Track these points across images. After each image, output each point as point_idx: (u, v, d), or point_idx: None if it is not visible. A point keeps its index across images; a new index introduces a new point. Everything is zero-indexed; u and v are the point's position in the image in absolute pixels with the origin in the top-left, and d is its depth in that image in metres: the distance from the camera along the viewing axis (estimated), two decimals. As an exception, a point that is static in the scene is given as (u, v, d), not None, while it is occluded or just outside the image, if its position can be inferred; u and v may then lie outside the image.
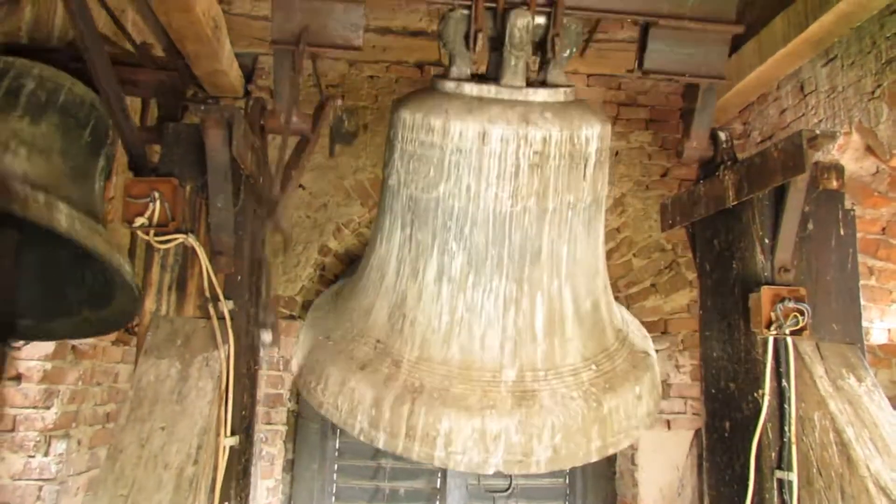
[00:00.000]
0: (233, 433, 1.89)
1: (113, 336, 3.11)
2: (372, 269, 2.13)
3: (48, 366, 2.77)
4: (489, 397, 1.88)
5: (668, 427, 3.77)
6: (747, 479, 2.01)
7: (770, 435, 2.00)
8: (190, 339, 1.91)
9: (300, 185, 3.65)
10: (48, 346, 2.77)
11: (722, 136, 2.27)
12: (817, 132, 1.88)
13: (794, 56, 3.28)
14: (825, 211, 2.13)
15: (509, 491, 3.81)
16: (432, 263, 1.94)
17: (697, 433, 2.48)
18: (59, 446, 2.81)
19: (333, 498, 3.69)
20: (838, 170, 2.12)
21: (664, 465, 3.71)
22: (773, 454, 1.98)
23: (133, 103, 2.98)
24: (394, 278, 2.03)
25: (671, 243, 3.90)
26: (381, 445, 1.90)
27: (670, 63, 2.08)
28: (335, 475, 3.73)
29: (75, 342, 2.91)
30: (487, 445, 1.83)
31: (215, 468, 1.82)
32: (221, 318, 1.92)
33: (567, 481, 3.88)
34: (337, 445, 3.76)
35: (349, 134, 3.26)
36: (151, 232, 1.92)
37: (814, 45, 3.15)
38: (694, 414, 3.78)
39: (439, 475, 3.80)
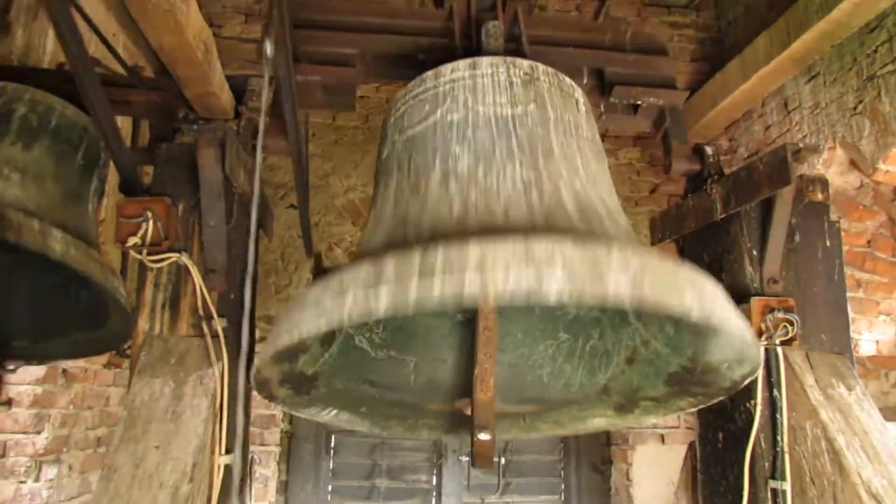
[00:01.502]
0: (227, 451, 1.88)
1: (104, 359, 3.10)
2: (372, 223, 1.82)
3: (39, 390, 2.75)
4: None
5: (663, 441, 3.79)
6: (742, 489, 2.01)
7: (763, 445, 2.01)
8: (184, 358, 1.91)
9: (291, 205, 3.67)
10: (39, 370, 2.76)
11: (708, 150, 2.31)
12: (801, 145, 1.92)
13: (777, 73, 3.34)
14: (811, 223, 2.17)
15: (505, 509, 3.79)
16: (435, 172, 1.65)
17: (691, 446, 2.48)
18: (50, 471, 2.78)
19: None
20: (823, 182, 2.16)
21: (659, 480, 3.72)
22: (767, 464, 1.99)
23: (124, 125, 3.00)
24: (391, 209, 1.71)
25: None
26: (382, 304, 1.15)
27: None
28: (329, 496, 3.70)
29: (66, 365, 2.89)
30: (541, 262, 1.18)
31: (210, 486, 1.81)
32: (215, 336, 1.92)
33: (563, 498, 3.87)
34: (331, 466, 3.74)
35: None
36: (144, 251, 1.93)
37: (796, 62, 3.22)
38: (687, 428, 3.79)
39: (434, 495, 3.78)
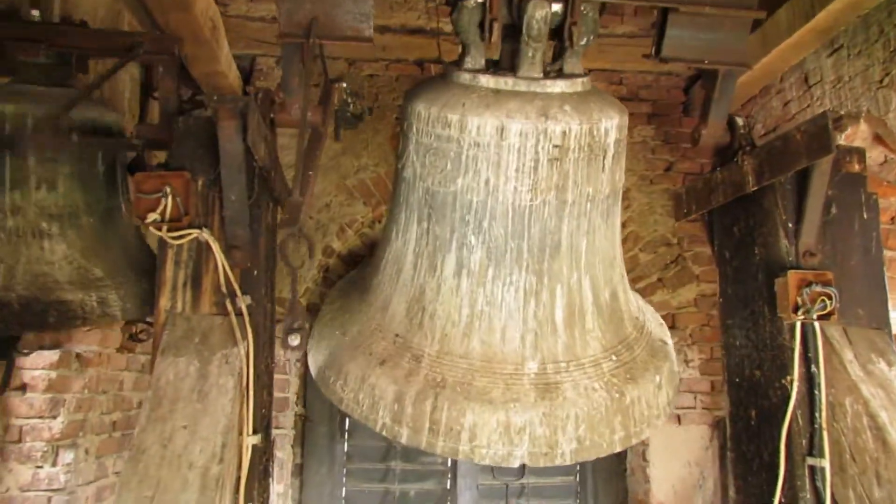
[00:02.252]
0: (254, 431, 1.83)
1: (117, 342, 3.05)
2: (388, 263, 2.09)
3: (53, 374, 2.70)
4: (512, 390, 1.86)
5: (679, 422, 3.74)
6: (777, 467, 1.98)
7: (800, 421, 1.97)
8: (207, 337, 1.86)
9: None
10: (52, 355, 2.71)
11: (739, 121, 2.25)
12: (842, 112, 1.86)
13: (799, 46, 3.26)
14: (848, 195, 2.11)
15: (521, 490, 3.76)
16: (451, 257, 1.92)
17: (718, 424, 2.45)
18: (66, 456, 2.74)
19: (343, 502, 3.62)
20: (860, 153, 2.11)
21: (676, 461, 3.68)
22: (804, 441, 1.95)
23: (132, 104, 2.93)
24: (411, 272, 2.00)
25: (677, 237, 3.88)
26: (404, 441, 1.88)
27: (689, 49, 2.05)
28: (344, 479, 3.67)
29: (80, 349, 2.84)
30: (512, 438, 1.82)
31: (239, 468, 1.76)
32: (239, 314, 1.87)
33: (578, 479, 3.84)
34: (346, 449, 3.70)
35: (355, 117, 3.20)
36: (164, 227, 1.87)
37: (819, 34, 3.14)
38: (704, 408, 3.75)
39: (449, 476, 3.75)
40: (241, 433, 1.79)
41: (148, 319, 3.19)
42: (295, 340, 1.60)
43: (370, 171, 3.70)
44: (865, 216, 2.11)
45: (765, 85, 3.78)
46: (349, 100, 3.15)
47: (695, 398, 3.74)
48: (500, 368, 1.88)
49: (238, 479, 1.78)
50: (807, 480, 1.93)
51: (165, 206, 1.86)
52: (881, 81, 3.17)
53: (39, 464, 2.66)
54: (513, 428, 1.79)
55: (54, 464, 2.70)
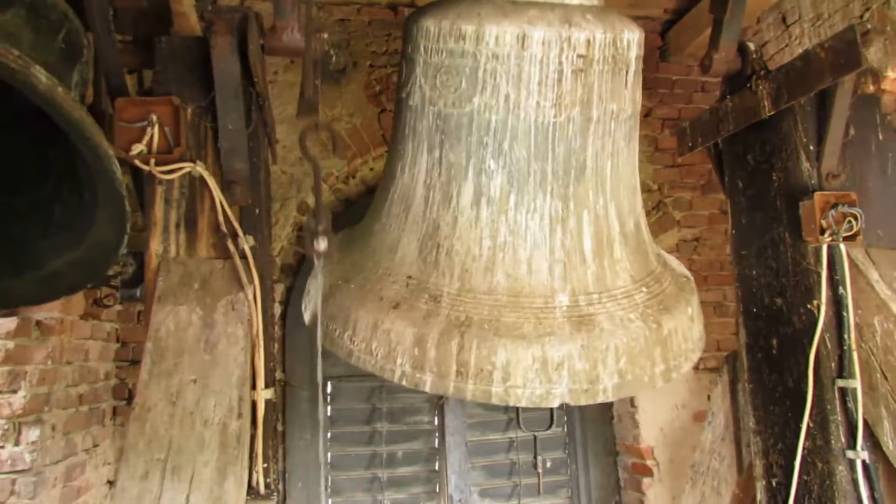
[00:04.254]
0: (266, 385, 1.67)
1: (81, 309, 2.79)
2: (393, 203, 1.92)
3: (10, 344, 2.44)
4: (545, 324, 1.71)
5: (665, 367, 3.75)
6: (804, 392, 1.94)
7: (828, 345, 1.93)
8: (208, 282, 1.67)
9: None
10: (10, 322, 2.45)
11: (751, 46, 2.18)
12: (869, 26, 1.80)
13: (779, -18, 3.23)
14: (864, 116, 2.07)
15: (510, 444, 3.71)
16: (467, 186, 1.75)
17: (727, 359, 2.41)
18: (31, 433, 2.49)
19: (329, 467, 3.48)
20: (875, 74, 2.06)
21: (663, 405, 3.69)
22: (833, 364, 1.92)
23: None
24: (422, 207, 1.82)
25: (657, 183, 3.85)
26: (427, 388, 1.69)
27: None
28: (329, 444, 3.52)
29: (40, 316, 2.58)
30: (550, 375, 1.67)
31: (254, 424, 1.60)
32: (243, 256, 1.69)
33: (566, 430, 3.81)
34: (329, 413, 3.54)
35: (337, 72, 3.00)
36: (152, 161, 1.66)
37: (801, -32, 3.11)
38: (689, 352, 3.76)
39: (437, 435, 3.66)
40: (254, 387, 1.62)
41: (114, 284, 2.95)
42: (322, 244, 1.37)
43: (344, 121, 3.49)
44: (881, 137, 2.08)
45: (743, 27, 3.74)
46: (331, 52, 2.93)
47: (678, 343, 3.75)
48: (528, 303, 1.73)
49: (253, 436, 1.62)
50: (837, 402, 1.90)
51: (152, 136, 1.64)
52: (861, 17, 3.17)
53: (1, 443, 2.42)
54: (550, 364, 1.65)
55: (17, 443, 2.46)
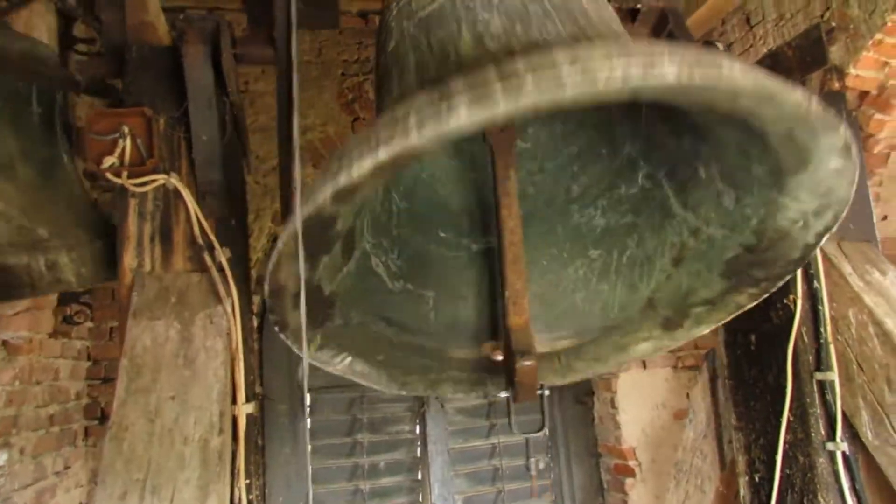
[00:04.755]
0: (247, 399, 1.63)
1: (50, 327, 2.72)
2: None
3: (-24, 366, 2.37)
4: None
5: (644, 367, 3.78)
6: (783, 386, 1.96)
7: (805, 338, 1.96)
8: (185, 296, 1.63)
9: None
10: (-25, 343, 2.38)
11: (719, 45, 2.21)
12: (832, 24, 1.84)
13: (744, -16, 3.30)
14: (831, 112, 2.11)
15: (492, 450, 3.70)
16: (464, 38, 1.41)
17: (706, 356, 2.43)
18: (-1, 457, 2.42)
19: (310, 480, 3.43)
20: (840, 71, 2.12)
21: (643, 405, 3.72)
22: (811, 357, 1.95)
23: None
24: (417, 84, 1.44)
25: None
26: (463, 116, 0.92)
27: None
28: (309, 457, 3.47)
29: (7, 336, 2.51)
30: (644, 56, 1.02)
31: (235, 439, 1.56)
32: (220, 269, 1.66)
33: (548, 433, 3.81)
34: (308, 425, 3.50)
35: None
36: (124, 174, 1.62)
37: (764, -29, 3.18)
38: (668, 352, 3.80)
39: (419, 444, 3.63)
40: (235, 401, 1.59)
41: (84, 300, 2.89)
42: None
43: (318, 130, 3.47)
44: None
45: (710, 28, 3.80)
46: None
47: (656, 343, 3.78)
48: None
49: (234, 452, 1.58)
50: (816, 396, 1.92)
51: (124, 148, 1.60)
52: (822, 16, 3.24)
53: (-31, 470, 2.34)
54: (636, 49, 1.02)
55: (-14, 468, 2.38)
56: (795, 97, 0.99)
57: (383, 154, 0.92)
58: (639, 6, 2.28)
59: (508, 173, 1.68)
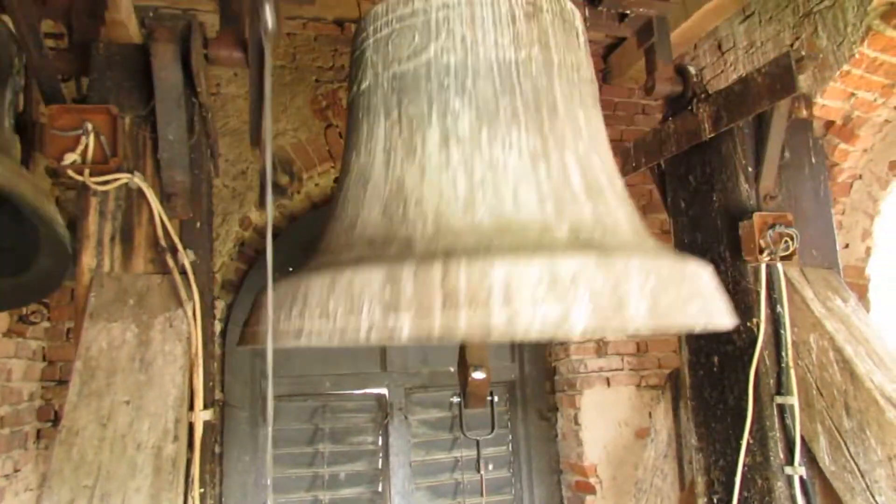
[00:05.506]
0: (205, 405, 1.59)
1: (4, 326, 2.63)
2: (349, 189, 1.62)
3: (-77, 364, 2.28)
4: (547, 244, 1.34)
5: (608, 384, 3.79)
6: (744, 409, 1.98)
7: (767, 362, 1.98)
8: (144, 298, 1.59)
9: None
10: (-78, 340, 2.29)
11: (692, 70, 2.24)
12: (802, 53, 1.87)
13: (717, 11, 3.36)
14: (798, 139, 2.16)
15: (454, 464, 3.67)
16: (433, 131, 1.48)
17: (670, 376, 2.45)
18: (-56, 460, 2.33)
19: (269, 489, 3.37)
20: (807, 99, 2.16)
21: (607, 423, 3.73)
22: (772, 381, 1.97)
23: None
24: (383, 172, 1.53)
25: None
26: (405, 333, 1.18)
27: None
28: (272, 465, 3.41)
29: (-43, 334, 2.42)
30: (566, 293, 1.18)
31: (191, 447, 1.52)
32: (182, 271, 1.62)
33: (510, 448, 3.80)
34: (270, 434, 3.43)
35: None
36: (86, 171, 1.58)
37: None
38: (631, 369, 3.82)
39: (381, 455, 3.59)
40: (192, 408, 1.55)
41: (41, 300, 2.80)
42: (270, 20, 1.12)
43: (290, 136, 3.43)
44: (814, 160, 2.17)
45: (681, 52, 3.87)
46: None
47: (622, 360, 3.80)
48: (521, 235, 1.37)
49: (189, 460, 1.54)
50: (776, 419, 1.95)
51: (87, 145, 1.56)
52: (791, 45, 3.32)
53: (-89, 472, 2.25)
54: (562, 279, 1.17)
55: (-71, 470, 2.29)
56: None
57: (337, 341, 1.15)
58: (628, 12, 2.29)
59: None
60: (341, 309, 1.20)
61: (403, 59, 1.55)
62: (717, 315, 1.27)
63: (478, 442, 2.90)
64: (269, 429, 2.24)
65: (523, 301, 1.10)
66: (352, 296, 1.20)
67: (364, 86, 1.62)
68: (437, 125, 1.47)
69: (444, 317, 1.11)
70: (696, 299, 1.25)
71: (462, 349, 1.65)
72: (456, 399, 3.64)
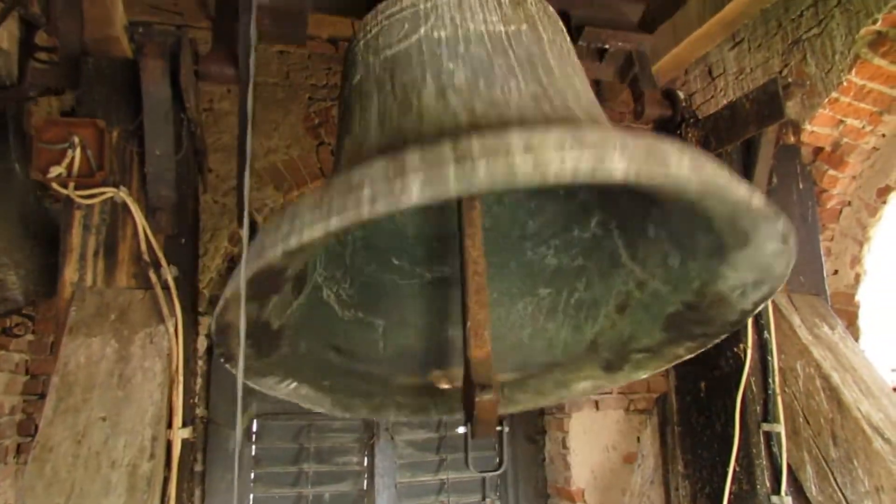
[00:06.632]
0: (184, 423, 1.57)
1: (-17, 339, 2.60)
2: (345, 156, 1.54)
3: None
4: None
5: (597, 408, 3.77)
6: (730, 436, 1.97)
7: (754, 389, 1.97)
8: (126, 313, 1.57)
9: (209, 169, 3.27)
10: None
11: (680, 94, 2.26)
12: (790, 79, 1.89)
13: (707, 38, 3.37)
14: (786, 165, 2.17)
15: (441, 486, 3.63)
16: (427, 88, 1.40)
17: (658, 400, 2.43)
18: (-81, 473, 2.28)
19: (251, 509, 3.32)
20: (795, 125, 2.18)
21: (594, 447, 3.70)
22: (758, 408, 1.96)
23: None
24: (378, 130, 1.43)
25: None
26: (414, 194, 0.95)
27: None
28: (252, 484, 3.36)
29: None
30: (595, 143, 1.02)
31: (168, 465, 1.50)
32: (165, 287, 1.60)
33: (499, 471, 3.76)
34: (253, 452, 3.39)
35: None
36: (71, 185, 1.57)
37: (727, 26, 3.26)
38: (620, 393, 3.80)
39: (366, 476, 3.55)
40: (170, 425, 1.52)
41: (26, 312, 2.77)
42: None
43: (281, 153, 3.43)
44: (801, 186, 2.18)
45: (672, 77, 3.91)
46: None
47: (610, 384, 3.78)
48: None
49: (166, 479, 1.51)
50: (762, 447, 1.93)
51: (73, 159, 1.55)
52: (780, 72, 3.35)
53: None
54: (585, 140, 1.01)
55: None
56: (740, 193, 1.04)
57: (335, 224, 0.93)
58: (607, 46, 2.33)
59: (474, 203, 1.66)
60: (336, 204, 0.99)
61: (394, 43, 1.50)
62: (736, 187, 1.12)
63: (484, 479, 2.85)
64: (237, 449, 2.18)
65: (548, 147, 0.96)
66: (349, 184, 1.01)
67: (356, 79, 1.56)
68: (432, 83, 1.40)
69: (459, 168, 0.95)
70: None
71: (467, 366, 1.58)
72: (461, 429, 3.63)
